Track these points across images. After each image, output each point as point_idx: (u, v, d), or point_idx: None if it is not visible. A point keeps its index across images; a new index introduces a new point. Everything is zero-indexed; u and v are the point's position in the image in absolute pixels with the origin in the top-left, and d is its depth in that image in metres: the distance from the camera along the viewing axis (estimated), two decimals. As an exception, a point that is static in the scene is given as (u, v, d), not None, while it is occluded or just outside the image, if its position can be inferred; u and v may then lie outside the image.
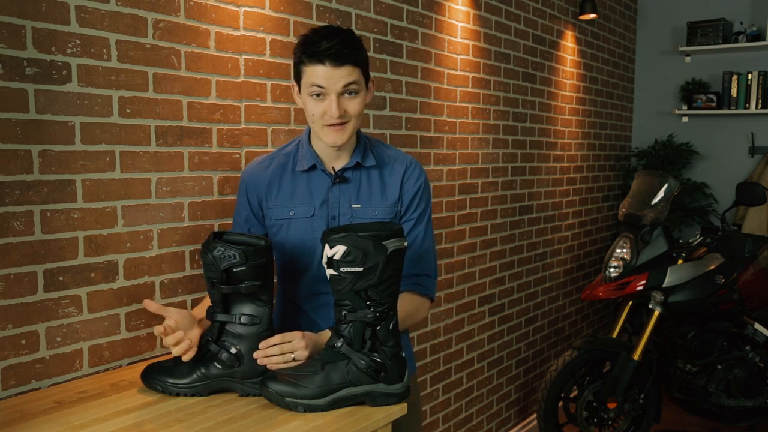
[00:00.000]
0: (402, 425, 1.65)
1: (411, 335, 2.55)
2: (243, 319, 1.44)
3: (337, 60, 1.43)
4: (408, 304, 1.59)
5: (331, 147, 1.56)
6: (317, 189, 1.60)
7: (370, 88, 1.56)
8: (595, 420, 3.14)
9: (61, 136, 1.50)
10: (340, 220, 1.59)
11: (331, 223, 1.59)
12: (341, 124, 1.50)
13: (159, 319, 1.74)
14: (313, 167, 1.60)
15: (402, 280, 1.56)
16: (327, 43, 1.43)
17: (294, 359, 1.43)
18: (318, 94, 1.47)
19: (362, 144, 1.62)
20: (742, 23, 4.30)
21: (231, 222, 1.91)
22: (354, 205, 1.59)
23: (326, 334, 1.49)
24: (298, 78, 1.52)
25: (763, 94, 4.16)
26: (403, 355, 1.44)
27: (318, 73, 1.45)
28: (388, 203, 1.61)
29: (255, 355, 1.42)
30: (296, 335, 1.44)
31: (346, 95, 1.48)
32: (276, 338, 1.43)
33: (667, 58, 4.60)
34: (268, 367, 1.42)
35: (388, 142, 2.47)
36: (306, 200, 1.60)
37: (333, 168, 1.60)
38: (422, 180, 1.65)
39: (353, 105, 1.49)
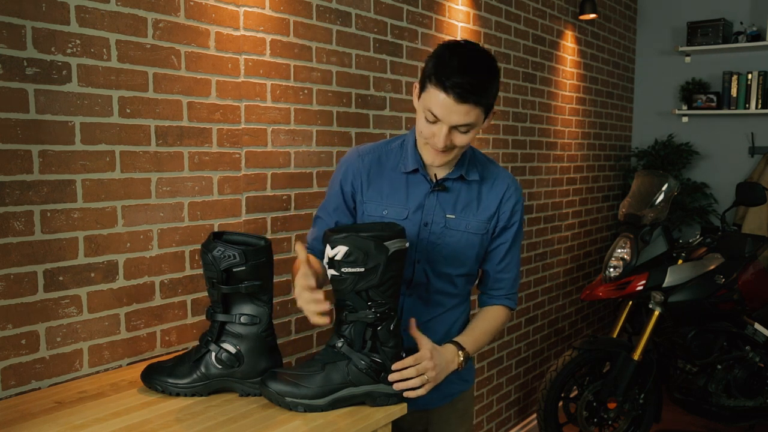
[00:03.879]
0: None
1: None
2: (243, 319, 1.44)
3: (461, 98, 1.38)
4: (504, 317, 1.68)
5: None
6: (415, 193, 1.57)
7: (489, 117, 1.49)
8: (595, 420, 3.14)
9: (61, 136, 1.50)
10: (432, 227, 1.57)
11: (423, 229, 1.57)
12: (444, 150, 1.47)
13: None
14: (415, 171, 1.57)
15: (495, 297, 1.67)
16: (458, 78, 1.37)
17: (428, 380, 1.41)
18: (431, 120, 1.44)
19: (468, 156, 1.59)
20: (742, 23, 4.30)
21: (231, 222, 1.91)
22: (449, 215, 1.57)
23: (449, 347, 1.50)
24: (422, 87, 1.46)
25: (763, 94, 4.16)
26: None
27: (438, 100, 1.40)
28: (481, 219, 1.59)
29: (390, 378, 1.38)
30: (425, 355, 1.42)
31: (459, 130, 1.44)
32: (409, 360, 1.40)
33: (667, 58, 4.60)
34: (405, 394, 1.40)
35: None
36: (401, 202, 1.57)
37: (435, 175, 1.58)
38: (521, 202, 1.64)
39: (462, 139, 1.45)
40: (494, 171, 1.63)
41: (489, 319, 1.64)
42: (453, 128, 1.43)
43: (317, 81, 2.16)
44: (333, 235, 1.35)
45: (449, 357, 1.49)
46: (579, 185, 4.05)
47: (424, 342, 1.44)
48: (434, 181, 1.57)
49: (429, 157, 1.51)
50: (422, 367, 1.40)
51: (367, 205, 1.59)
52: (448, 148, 1.46)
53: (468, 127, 1.43)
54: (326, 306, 1.35)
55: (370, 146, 1.64)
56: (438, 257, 1.58)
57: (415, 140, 1.59)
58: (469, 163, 1.59)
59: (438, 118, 1.41)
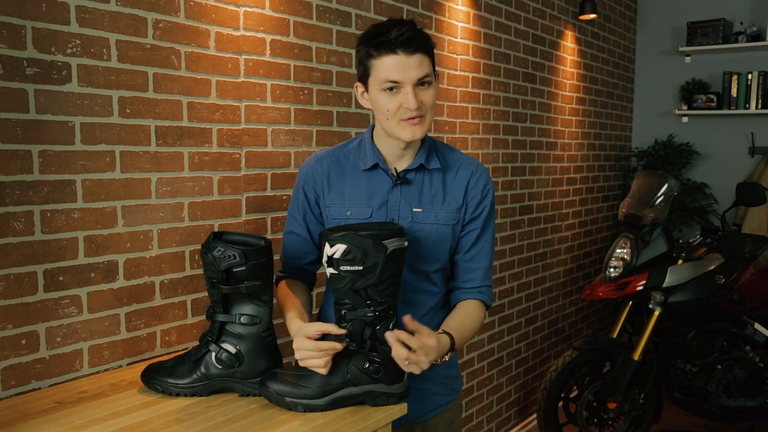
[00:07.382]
0: None
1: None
2: (243, 319, 1.44)
3: (410, 47, 1.37)
4: (480, 313, 1.58)
5: (400, 144, 1.50)
6: (377, 190, 1.53)
7: (437, 77, 1.49)
8: (595, 420, 3.14)
9: (61, 136, 1.50)
10: (399, 223, 1.51)
11: None
12: (419, 117, 1.43)
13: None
14: (374, 166, 1.53)
15: (467, 290, 1.58)
16: (397, 31, 1.37)
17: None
18: (392, 88, 1.41)
19: (427, 145, 1.55)
20: (742, 23, 4.30)
21: (231, 222, 1.91)
22: (415, 209, 1.53)
23: (444, 338, 1.42)
24: (365, 76, 1.45)
25: (763, 94, 4.16)
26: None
27: (391, 64, 1.39)
28: (450, 209, 1.54)
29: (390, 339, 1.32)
30: (424, 339, 1.32)
31: (421, 86, 1.42)
32: (416, 340, 1.31)
33: (667, 58, 4.60)
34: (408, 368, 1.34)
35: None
36: (364, 201, 1.53)
37: (395, 169, 1.54)
38: (489, 187, 1.58)
39: (428, 96, 1.43)
40: (457, 159, 1.59)
41: (468, 313, 1.55)
42: (416, 86, 1.41)
43: (317, 81, 2.16)
44: (331, 234, 1.35)
45: (444, 342, 1.42)
46: (579, 185, 4.05)
47: (423, 329, 1.35)
48: (395, 174, 1.53)
49: (407, 133, 1.44)
50: (416, 357, 1.32)
51: (330, 209, 1.55)
52: (421, 112, 1.43)
53: (428, 79, 1.42)
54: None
55: (327, 150, 1.61)
56: (410, 253, 1.53)
57: (372, 137, 1.55)
58: (428, 152, 1.55)
59: (398, 81, 1.40)
